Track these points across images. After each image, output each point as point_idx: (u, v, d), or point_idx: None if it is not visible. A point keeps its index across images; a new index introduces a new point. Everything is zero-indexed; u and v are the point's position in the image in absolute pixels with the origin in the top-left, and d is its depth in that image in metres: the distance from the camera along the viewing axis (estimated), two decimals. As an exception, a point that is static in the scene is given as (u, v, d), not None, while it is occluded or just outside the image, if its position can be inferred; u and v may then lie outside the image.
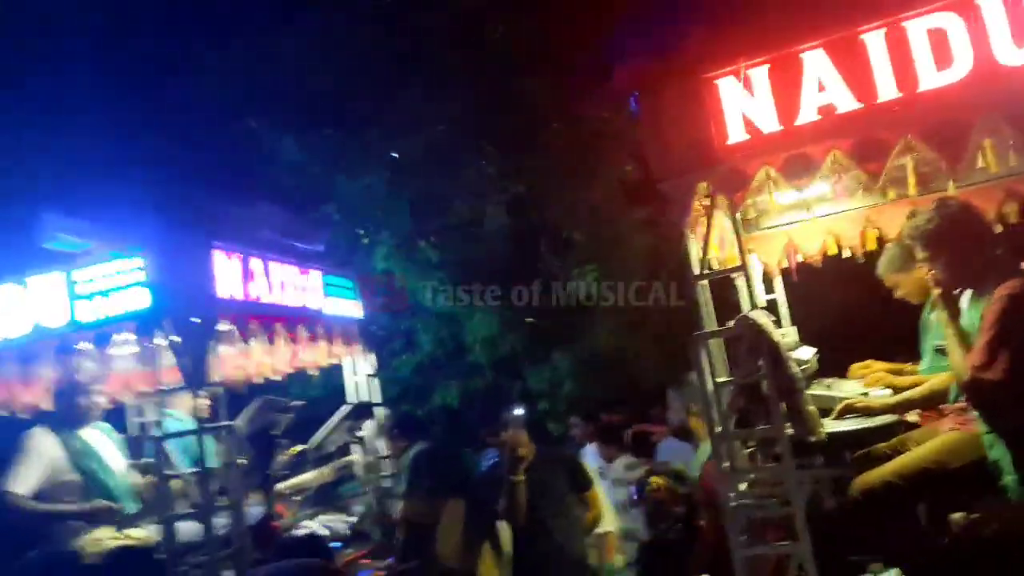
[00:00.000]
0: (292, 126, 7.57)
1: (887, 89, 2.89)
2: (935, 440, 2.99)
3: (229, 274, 4.51)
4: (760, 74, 3.09)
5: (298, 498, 5.17)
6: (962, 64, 2.79)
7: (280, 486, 4.91)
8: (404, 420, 5.59)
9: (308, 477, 5.22)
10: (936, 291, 3.02)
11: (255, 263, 4.75)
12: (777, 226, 4.70)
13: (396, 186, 8.65)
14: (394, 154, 8.44)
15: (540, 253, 8.81)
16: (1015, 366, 2.67)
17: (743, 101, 3.11)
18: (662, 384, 7.57)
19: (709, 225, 3.24)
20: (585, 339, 8.99)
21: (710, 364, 3.18)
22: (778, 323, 4.64)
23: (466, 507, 4.22)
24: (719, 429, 3.12)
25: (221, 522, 4.13)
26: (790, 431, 3.01)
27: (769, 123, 3.07)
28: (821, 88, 2.99)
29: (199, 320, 4.26)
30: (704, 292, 3.25)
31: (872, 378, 3.84)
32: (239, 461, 3.98)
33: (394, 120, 8.04)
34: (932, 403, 3.32)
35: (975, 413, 2.92)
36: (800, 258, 4.84)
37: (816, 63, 3.00)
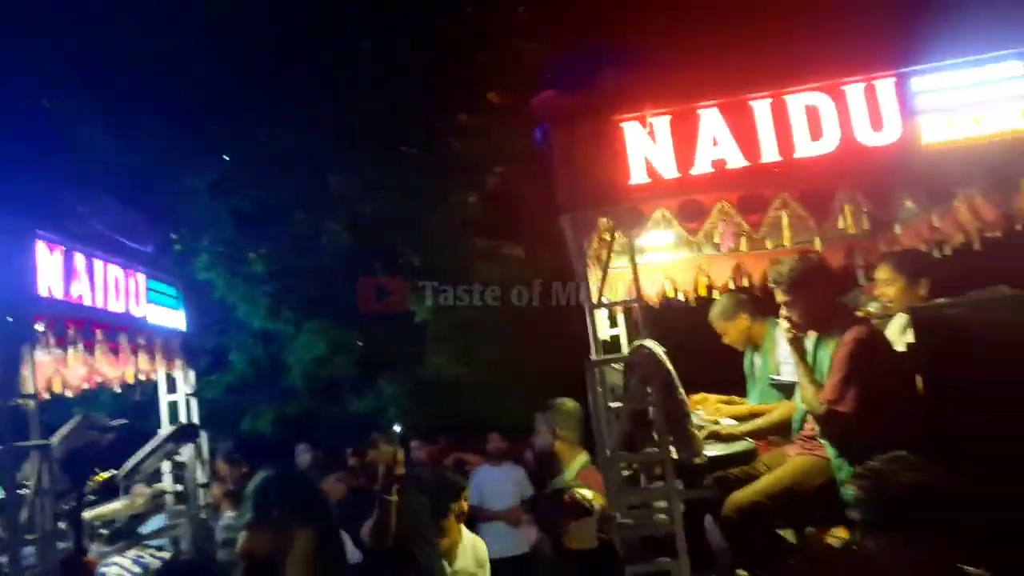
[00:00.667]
0: (118, 109, 6.74)
1: (769, 151, 3.28)
2: (792, 463, 3.38)
3: (50, 269, 3.94)
4: (662, 124, 3.36)
5: (105, 531, 4.52)
6: (830, 139, 3.25)
7: (87, 516, 4.27)
8: (246, 441, 5.14)
9: (118, 507, 4.59)
10: (790, 332, 3.45)
11: (79, 259, 4.20)
12: (620, 268, 5.01)
13: (224, 191, 8.00)
14: (225, 156, 7.83)
15: (376, 275, 8.62)
16: (863, 400, 3.11)
17: (646, 146, 3.36)
18: (493, 413, 7.71)
19: (608, 258, 3.43)
20: (414, 367, 8.89)
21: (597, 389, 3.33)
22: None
23: (317, 537, 3.95)
24: (609, 452, 3.27)
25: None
26: (674, 454, 3.24)
27: (668, 170, 3.34)
28: (715, 143, 3.32)
29: (11, 319, 3.67)
30: (598, 320, 3.41)
31: (710, 408, 4.27)
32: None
33: (238, 119, 7.47)
34: (779, 431, 3.75)
35: (822, 440, 3.36)
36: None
37: (711, 121, 3.33)
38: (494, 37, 7.00)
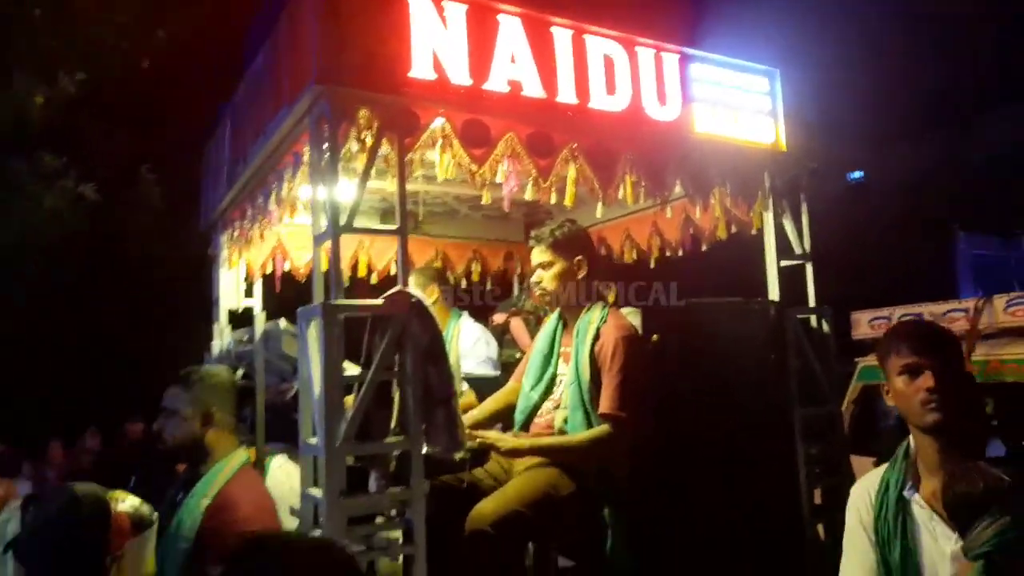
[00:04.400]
0: None
1: (567, 91, 2.75)
2: (539, 467, 2.73)
3: None
4: (457, 12, 2.57)
5: None
6: (622, 98, 2.88)
7: None
8: None
9: None
10: (541, 301, 2.97)
11: None
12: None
13: None
14: None
15: None
16: (641, 404, 2.71)
17: (436, 34, 2.52)
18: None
19: (369, 165, 2.42)
20: None
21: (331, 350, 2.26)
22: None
23: None
24: (340, 442, 2.20)
25: None
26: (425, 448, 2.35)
27: (458, 74, 2.54)
28: (512, 60, 2.66)
29: None
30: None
31: None
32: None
33: None
34: (498, 421, 3.12)
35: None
36: (287, 267, 4.18)
37: (512, 31, 2.66)
38: None
